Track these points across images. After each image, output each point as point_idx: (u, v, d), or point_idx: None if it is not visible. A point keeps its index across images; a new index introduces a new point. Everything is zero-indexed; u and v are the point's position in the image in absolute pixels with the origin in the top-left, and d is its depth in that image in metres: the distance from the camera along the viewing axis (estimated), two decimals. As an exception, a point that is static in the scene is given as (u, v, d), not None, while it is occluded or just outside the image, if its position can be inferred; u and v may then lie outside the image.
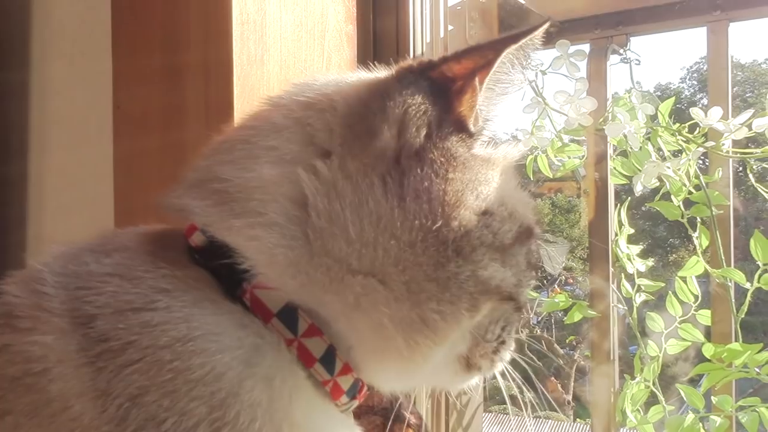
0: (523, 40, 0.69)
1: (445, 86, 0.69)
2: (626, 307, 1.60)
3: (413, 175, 0.65)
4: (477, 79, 0.68)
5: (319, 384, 0.66)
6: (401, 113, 0.67)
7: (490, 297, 0.68)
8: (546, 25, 0.72)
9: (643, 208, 1.74)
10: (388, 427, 1.06)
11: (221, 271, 0.65)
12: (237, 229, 0.65)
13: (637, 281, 1.60)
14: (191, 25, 1.09)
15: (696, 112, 1.37)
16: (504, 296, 0.69)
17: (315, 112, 0.70)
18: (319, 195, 0.65)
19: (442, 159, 0.67)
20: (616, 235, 1.63)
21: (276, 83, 1.10)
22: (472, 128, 0.70)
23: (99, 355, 0.56)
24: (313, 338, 0.65)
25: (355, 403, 0.71)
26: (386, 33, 1.33)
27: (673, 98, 1.44)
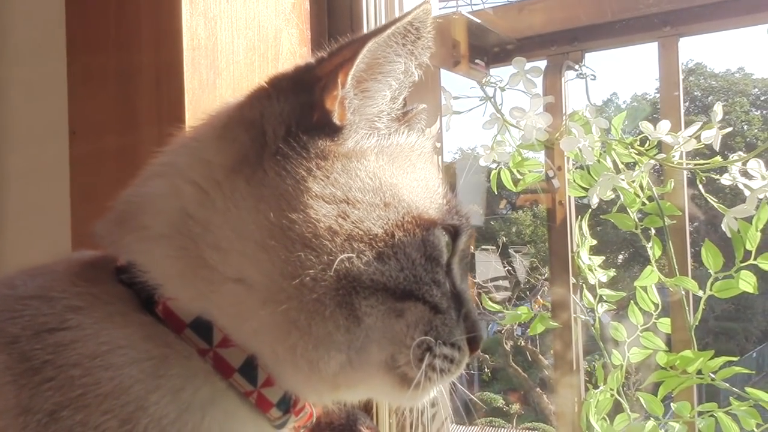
0: (390, 30, 0.68)
1: (311, 85, 0.68)
2: (588, 317, 1.62)
3: (270, 175, 0.66)
4: (341, 75, 0.68)
5: (243, 395, 0.67)
6: (257, 117, 0.68)
7: (370, 294, 0.65)
8: (419, 11, 0.69)
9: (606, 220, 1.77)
10: (345, 443, 1.07)
11: (136, 285, 0.66)
12: (129, 244, 0.68)
13: (599, 292, 1.63)
14: (143, 53, 1.11)
15: (645, 126, 1.41)
16: (397, 294, 0.66)
17: (203, 128, 0.73)
18: (197, 204, 0.67)
19: (294, 154, 0.66)
20: (578, 246, 1.66)
21: (229, 105, 1.11)
22: (337, 122, 0.69)
23: (22, 373, 0.58)
24: (229, 348, 0.66)
25: (290, 417, 0.71)
26: (341, 54, 1.35)
27: (624, 113, 1.47)
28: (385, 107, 0.73)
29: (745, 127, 7.46)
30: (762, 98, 8.09)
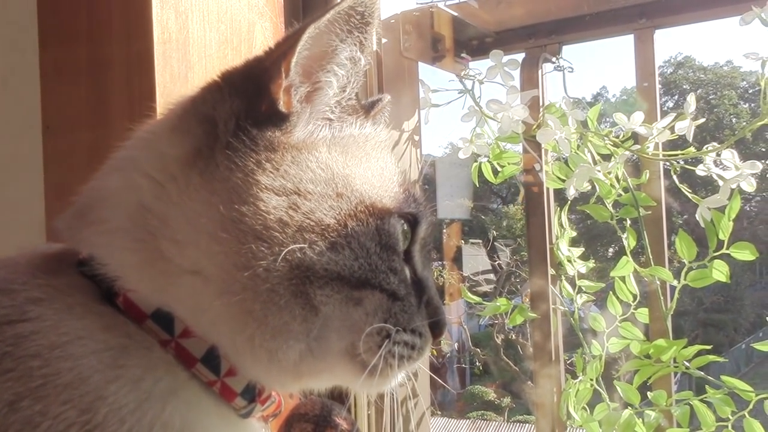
0: (329, 16, 0.68)
1: (259, 76, 0.69)
2: (567, 308, 1.63)
3: (221, 167, 0.67)
4: (284, 63, 0.68)
5: (207, 385, 0.68)
6: (209, 110, 0.69)
7: (324, 284, 0.66)
8: (348, 4, 0.69)
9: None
10: (319, 434, 1.08)
11: (97, 278, 0.67)
12: (88, 237, 0.69)
13: (578, 283, 1.63)
14: (114, 46, 1.11)
15: (619, 117, 1.42)
16: (353, 283, 0.67)
17: (160, 122, 0.75)
18: (153, 197, 0.68)
19: (244, 147, 0.67)
20: (557, 237, 1.66)
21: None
22: (283, 110, 0.70)
23: None
24: (191, 339, 0.67)
25: (255, 406, 0.72)
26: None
27: (600, 104, 1.48)
28: (334, 96, 0.74)
29: (734, 120, 7.50)
30: (750, 91, 8.13)
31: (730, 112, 7.71)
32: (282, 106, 0.70)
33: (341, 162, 0.71)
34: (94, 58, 1.13)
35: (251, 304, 0.65)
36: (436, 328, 0.75)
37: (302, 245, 0.65)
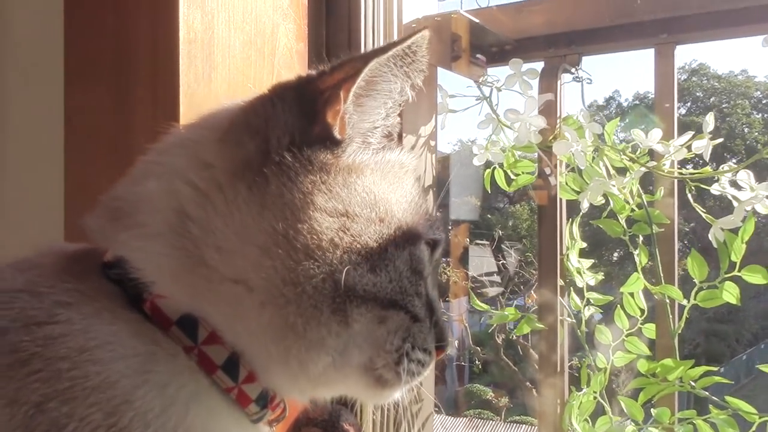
0: (391, 52, 0.72)
1: (314, 98, 0.71)
2: (575, 320, 1.63)
3: (273, 183, 0.68)
4: (343, 90, 0.71)
5: (224, 391, 0.69)
6: (262, 124, 0.70)
7: (361, 303, 0.69)
8: (418, 36, 0.73)
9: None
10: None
11: (124, 282, 0.68)
12: (124, 241, 0.70)
13: (587, 295, 1.64)
14: (140, 44, 1.11)
15: (637, 133, 1.42)
16: (383, 303, 0.70)
17: (201, 130, 0.76)
18: (195, 205, 0.69)
19: (298, 165, 0.69)
20: (567, 249, 1.66)
21: (224, 101, 1.12)
22: (337, 136, 0.72)
23: (10, 365, 0.60)
24: (213, 346, 0.68)
25: (267, 412, 0.74)
26: (338, 51, 1.36)
27: (617, 119, 1.48)
28: (379, 123, 0.77)
29: (746, 130, 7.46)
30: (763, 101, 8.08)
31: (742, 121, 7.66)
32: (337, 133, 0.72)
33: (382, 186, 0.74)
34: (120, 55, 1.14)
35: (294, 317, 0.67)
36: (440, 348, 0.79)
37: (349, 267, 0.68)
